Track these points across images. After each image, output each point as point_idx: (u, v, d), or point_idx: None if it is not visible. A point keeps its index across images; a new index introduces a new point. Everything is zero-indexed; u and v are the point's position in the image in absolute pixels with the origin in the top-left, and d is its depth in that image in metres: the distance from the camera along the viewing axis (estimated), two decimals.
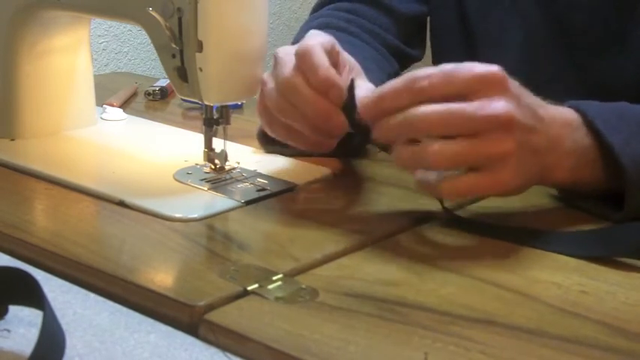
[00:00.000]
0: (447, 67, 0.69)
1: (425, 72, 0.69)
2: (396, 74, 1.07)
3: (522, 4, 0.98)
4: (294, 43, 1.06)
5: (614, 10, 0.91)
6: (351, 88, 0.76)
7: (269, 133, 0.85)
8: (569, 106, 0.76)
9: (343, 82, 0.77)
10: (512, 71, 0.99)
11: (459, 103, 0.68)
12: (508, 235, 0.74)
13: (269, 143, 0.92)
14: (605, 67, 0.93)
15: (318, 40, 0.79)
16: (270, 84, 0.81)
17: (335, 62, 0.80)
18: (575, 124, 0.75)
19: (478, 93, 0.68)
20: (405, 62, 1.10)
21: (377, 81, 0.98)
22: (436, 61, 1.12)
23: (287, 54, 0.80)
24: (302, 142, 0.84)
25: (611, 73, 0.93)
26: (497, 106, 0.68)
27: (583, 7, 0.93)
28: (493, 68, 0.69)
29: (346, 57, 0.83)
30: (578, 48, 0.94)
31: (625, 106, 0.78)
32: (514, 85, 0.70)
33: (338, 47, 0.81)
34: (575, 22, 0.94)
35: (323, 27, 1.05)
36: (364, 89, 0.79)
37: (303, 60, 0.77)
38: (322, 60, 0.77)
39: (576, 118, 0.75)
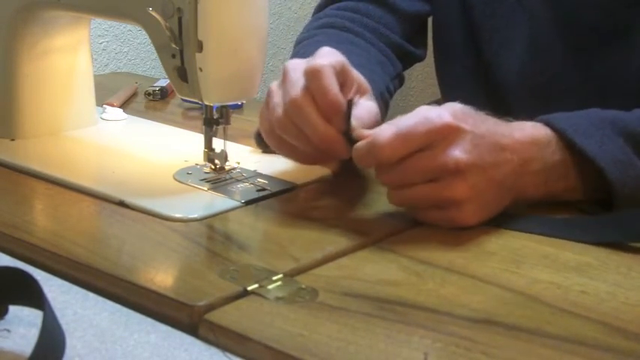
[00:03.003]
0: (403, 125, 0.72)
1: (383, 139, 0.72)
2: (399, 76, 1.07)
3: (529, 1, 0.98)
4: (297, 44, 1.06)
5: (620, 6, 0.91)
6: (349, 108, 0.77)
7: (269, 144, 0.84)
8: (539, 121, 0.78)
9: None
10: (519, 67, 0.99)
11: (414, 158, 0.72)
12: (512, 222, 0.75)
13: (266, 144, 0.92)
14: (611, 64, 0.93)
15: (329, 59, 0.78)
16: (277, 98, 0.80)
17: (344, 82, 0.80)
18: (543, 141, 0.76)
19: (435, 144, 0.72)
20: (408, 61, 1.10)
21: (381, 85, 0.98)
22: (439, 60, 1.12)
23: (296, 70, 0.79)
24: (301, 159, 0.84)
25: (618, 69, 0.93)
26: (447, 155, 0.71)
27: (589, 4, 0.93)
28: (445, 119, 0.72)
29: (355, 76, 0.82)
30: (585, 44, 0.94)
31: (594, 112, 0.79)
32: (469, 126, 0.72)
33: (348, 66, 0.81)
34: (582, 18, 0.94)
35: (327, 27, 1.05)
36: (362, 108, 0.79)
37: (313, 81, 0.77)
38: (332, 83, 0.77)
39: (545, 135, 0.76)
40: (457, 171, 0.71)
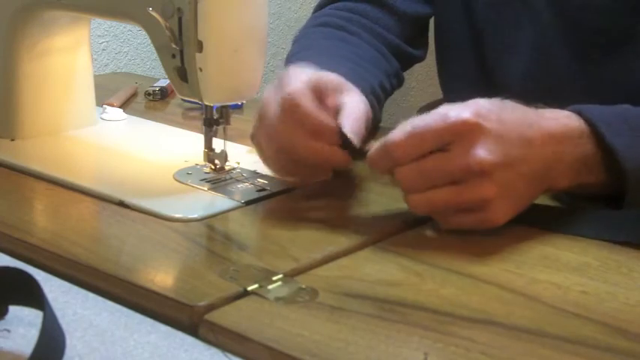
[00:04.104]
0: (418, 123, 0.70)
1: (397, 137, 0.70)
2: (397, 74, 1.07)
3: (534, 4, 0.98)
4: (294, 42, 1.06)
5: (625, 10, 0.91)
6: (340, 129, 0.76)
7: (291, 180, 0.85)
8: (572, 111, 0.76)
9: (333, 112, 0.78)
10: (523, 71, 0.99)
11: (433, 157, 0.70)
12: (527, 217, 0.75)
13: None
14: (616, 68, 0.93)
15: (298, 82, 0.77)
16: (269, 151, 0.81)
17: (320, 93, 0.79)
18: (575, 133, 0.75)
19: (455, 144, 0.70)
20: (407, 62, 1.10)
21: (372, 80, 0.97)
22: (440, 62, 1.12)
23: (272, 108, 0.78)
24: (308, 180, 0.85)
25: (622, 73, 0.93)
26: (470, 156, 0.69)
27: (594, 7, 0.93)
28: (464, 115, 0.70)
29: (325, 78, 0.81)
30: (590, 48, 0.94)
31: (627, 110, 0.78)
32: (493, 123, 0.70)
33: (318, 75, 0.80)
34: (587, 21, 0.94)
35: (323, 26, 1.05)
36: (350, 118, 0.78)
37: (293, 113, 0.76)
38: (310, 106, 0.76)
39: (577, 126, 0.75)
40: (482, 172, 0.69)
